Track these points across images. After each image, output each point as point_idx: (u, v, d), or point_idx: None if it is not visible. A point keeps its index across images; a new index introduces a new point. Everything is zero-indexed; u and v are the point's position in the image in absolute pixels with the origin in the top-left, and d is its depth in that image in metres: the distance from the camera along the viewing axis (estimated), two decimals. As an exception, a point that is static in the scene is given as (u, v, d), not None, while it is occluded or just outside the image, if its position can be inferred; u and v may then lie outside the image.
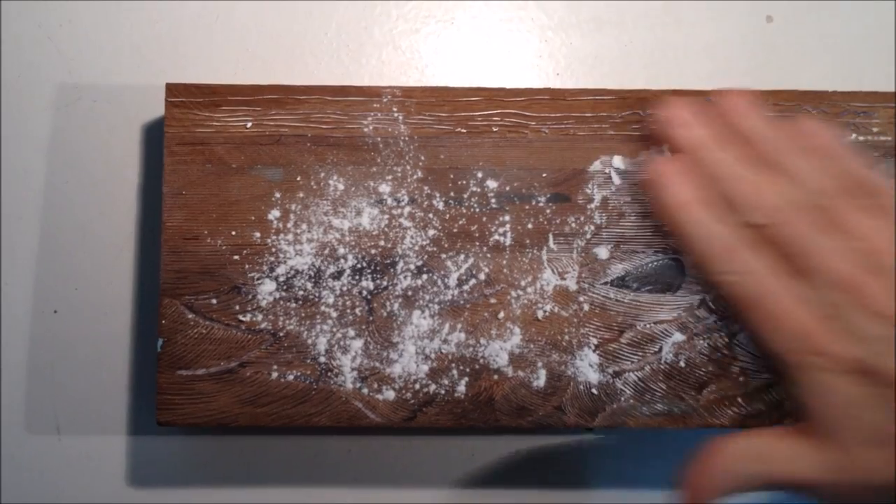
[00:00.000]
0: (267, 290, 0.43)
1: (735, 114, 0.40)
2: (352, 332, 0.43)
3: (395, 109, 0.44)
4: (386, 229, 0.43)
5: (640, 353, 0.43)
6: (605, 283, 0.44)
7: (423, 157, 0.44)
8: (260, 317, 0.43)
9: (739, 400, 0.43)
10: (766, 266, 0.37)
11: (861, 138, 0.45)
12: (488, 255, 0.44)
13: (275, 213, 0.43)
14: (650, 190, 0.40)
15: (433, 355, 0.43)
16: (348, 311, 0.43)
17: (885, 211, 0.38)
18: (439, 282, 0.43)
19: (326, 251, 0.43)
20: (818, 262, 0.36)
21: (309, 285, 0.43)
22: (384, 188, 0.44)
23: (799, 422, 0.36)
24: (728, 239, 0.38)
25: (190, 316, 0.42)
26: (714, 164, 0.39)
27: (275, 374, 0.42)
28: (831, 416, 0.36)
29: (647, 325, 0.44)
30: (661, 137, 0.40)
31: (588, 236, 0.44)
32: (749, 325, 0.37)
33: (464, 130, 0.44)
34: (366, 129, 0.44)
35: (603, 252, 0.44)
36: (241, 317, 0.43)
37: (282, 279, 0.43)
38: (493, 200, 0.44)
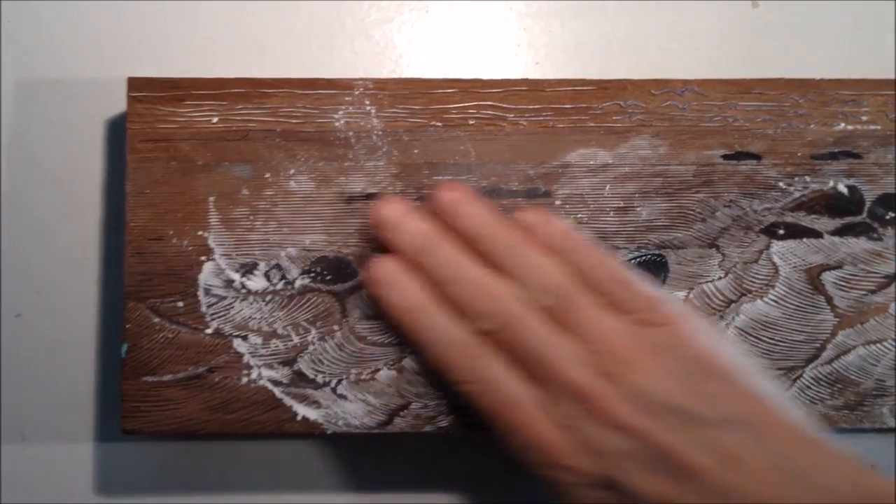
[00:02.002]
0: (236, 292, 0.41)
1: (452, 209, 0.38)
2: (324, 335, 0.41)
3: (367, 102, 0.42)
4: (357, 227, 0.42)
5: (624, 353, 0.42)
6: (587, 281, 0.42)
7: (396, 152, 0.42)
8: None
9: (726, 399, 0.42)
10: (504, 373, 0.36)
11: (850, 127, 0.43)
12: (465, 253, 0.42)
13: (243, 212, 0.42)
14: (372, 290, 0.38)
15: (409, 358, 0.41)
16: (321, 312, 0.41)
17: (623, 307, 0.37)
18: (414, 281, 0.42)
19: (297, 251, 0.42)
20: (551, 369, 0.35)
21: (280, 286, 0.42)
22: (356, 184, 0.42)
23: None
24: (463, 345, 0.36)
25: (156, 320, 0.41)
26: (435, 268, 0.37)
27: (244, 380, 0.41)
28: None
29: (631, 324, 0.42)
30: (382, 241, 0.38)
31: (569, 232, 0.42)
32: (496, 434, 0.36)
33: (439, 124, 0.43)
34: (337, 124, 0.42)
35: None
36: (209, 320, 0.41)
37: (251, 281, 0.41)
38: (470, 196, 0.42)
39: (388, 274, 0.38)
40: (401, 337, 0.38)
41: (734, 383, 0.35)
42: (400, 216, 0.38)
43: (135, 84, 0.42)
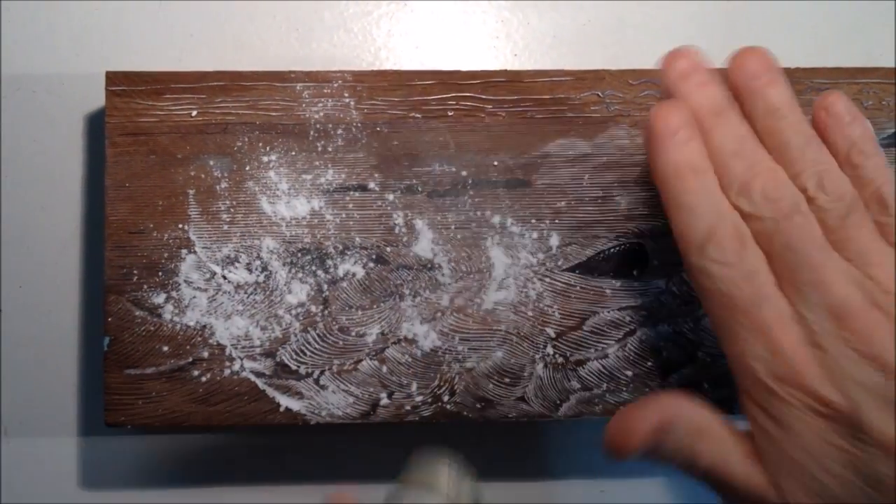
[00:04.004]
0: (217, 285, 0.41)
1: (757, 79, 0.35)
2: (306, 326, 0.41)
3: (346, 95, 0.43)
4: (338, 219, 0.42)
5: (604, 341, 0.42)
6: (566, 270, 0.43)
7: (375, 144, 0.42)
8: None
9: (705, 385, 0.42)
10: (764, 267, 0.32)
11: (825, 116, 0.44)
12: (446, 245, 0.42)
13: (223, 205, 0.42)
14: (651, 140, 0.34)
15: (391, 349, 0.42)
16: (302, 303, 0.42)
17: None
18: (394, 272, 0.42)
19: (277, 243, 0.42)
20: (820, 279, 0.32)
21: (261, 278, 0.42)
22: (337, 176, 0.42)
23: (754, 438, 0.33)
24: (731, 223, 0.33)
25: (137, 313, 0.41)
26: (722, 135, 0.34)
27: (227, 372, 0.41)
28: (781, 454, 0.32)
29: (610, 312, 0.43)
30: (671, 91, 0.35)
31: (548, 221, 0.43)
32: (724, 327, 0.33)
33: (418, 115, 0.43)
34: (316, 116, 0.42)
35: (564, 237, 0.43)
36: (191, 313, 0.41)
37: (232, 273, 0.41)
38: (450, 186, 0.43)
39: (675, 124, 0.34)
40: (664, 201, 0.35)
41: None
42: (701, 71, 0.35)
43: (113, 78, 0.42)
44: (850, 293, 0.31)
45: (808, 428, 0.31)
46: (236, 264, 0.42)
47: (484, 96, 0.43)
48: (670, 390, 0.35)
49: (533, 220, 0.43)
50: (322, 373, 0.41)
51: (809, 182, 0.33)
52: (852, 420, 0.30)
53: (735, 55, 0.36)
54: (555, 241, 0.43)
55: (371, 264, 0.42)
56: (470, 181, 0.43)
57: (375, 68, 0.47)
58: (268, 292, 0.42)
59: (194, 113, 0.42)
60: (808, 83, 0.44)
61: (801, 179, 0.33)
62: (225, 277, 0.41)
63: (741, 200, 0.33)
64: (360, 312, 0.42)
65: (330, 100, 0.42)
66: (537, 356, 0.42)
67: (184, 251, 0.41)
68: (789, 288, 0.32)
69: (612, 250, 0.43)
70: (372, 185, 0.42)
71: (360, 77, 0.43)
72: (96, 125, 0.45)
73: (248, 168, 0.42)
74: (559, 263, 0.43)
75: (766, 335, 0.32)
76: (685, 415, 0.34)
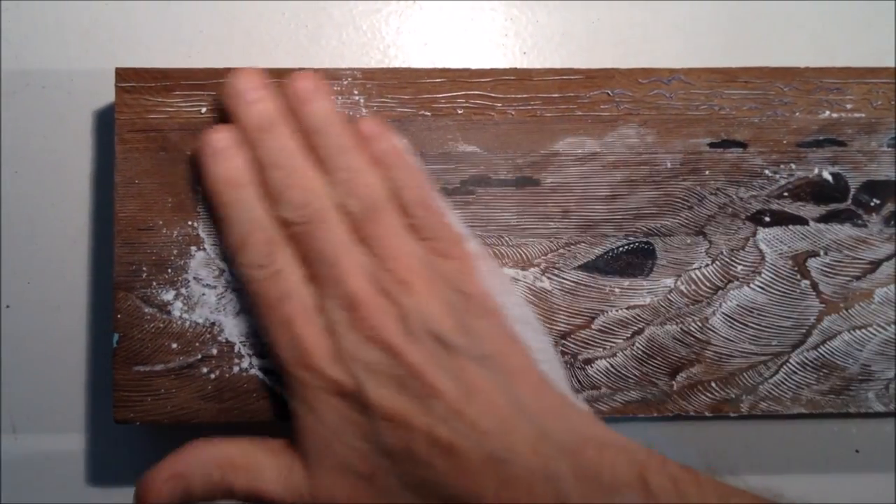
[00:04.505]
0: (227, 282, 0.41)
1: (302, 98, 0.39)
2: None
3: (356, 92, 0.43)
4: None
5: (612, 340, 0.42)
6: (576, 269, 0.43)
7: (385, 142, 0.42)
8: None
9: (714, 385, 0.42)
10: (291, 266, 0.37)
11: (835, 115, 0.44)
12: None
13: (233, 202, 0.42)
14: (201, 158, 0.39)
15: (399, 346, 0.42)
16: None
17: (424, 232, 0.38)
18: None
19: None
20: (333, 273, 0.36)
21: (270, 276, 0.42)
22: (346, 174, 0.42)
23: (296, 433, 0.36)
24: (261, 227, 0.37)
25: (146, 310, 0.41)
26: (265, 148, 0.38)
27: (236, 369, 0.41)
28: (311, 436, 0.36)
29: (619, 311, 0.43)
30: (228, 110, 0.39)
31: (556, 220, 0.43)
32: (262, 325, 0.38)
33: (428, 113, 0.43)
34: (326, 113, 0.42)
35: (572, 236, 0.43)
36: (200, 309, 0.41)
37: (241, 270, 0.41)
38: (459, 184, 0.43)
39: (218, 142, 0.38)
40: (214, 213, 0.39)
41: (501, 327, 0.37)
42: (251, 90, 0.39)
43: (123, 74, 0.42)
44: (362, 285, 0.36)
45: (330, 408, 0.35)
46: (245, 261, 0.41)
47: (493, 94, 0.43)
48: (196, 441, 0.37)
49: (542, 219, 0.43)
50: (331, 370, 0.41)
51: (340, 189, 0.38)
52: (359, 397, 0.35)
53: (286, 80, 0.40)
54: (563, 239, 0.43)
55: (380, 262, 0.42)
56: (479, 179, 0.43)
57: (384, 65, 0.47)
58: (277, 290, 0.41)
59: (204, 110, 0.42)
60: (817, 83, 0.44)
61: (334, 187, 0.38)
62: (235, 275, 0.41)
63: (278, 208, 0.37)
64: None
65: (339, 97, 0.42)
66: (545, 355, 0.42)
67: (193, 248, 0.41)
68: (316, 284, 0.37)
69: (620, 249, 0.43)
70: (381, 182, 0.42)
71: (370, 74, 0.43)
72: (105, 121, 0.45)
73: (257, 165, 0.42)
74: (568, 262, 0.43)
75: (288, 327, 0.36)
76: (206, 455, 0.37)
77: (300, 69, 0.42)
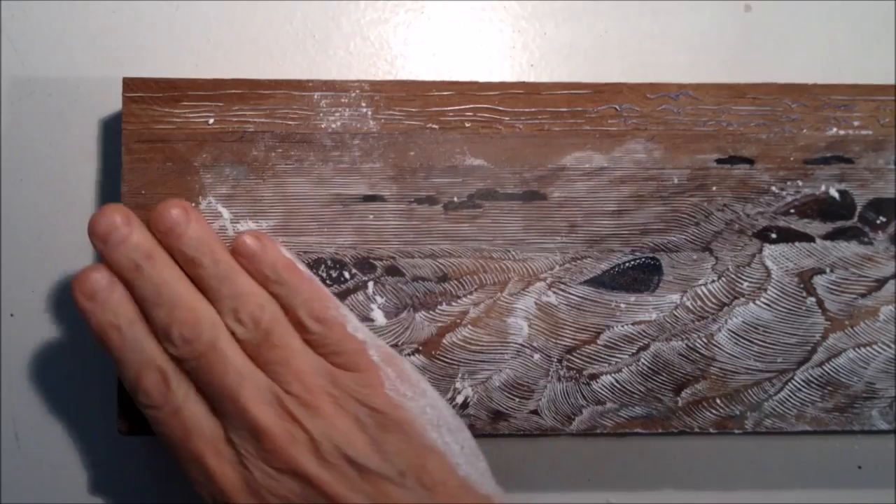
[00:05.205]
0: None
1: (171, 230, 0.37)
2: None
3: (363, 104, 0.42)
4: (353, 230, 0.42)
5: (617, 356, 0.42)
6: (582, 283, 0.43)
7: (392, 155, 0.42)
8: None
9: (719, 401, 0.42)
10: (192, 402, 0.36)
11: (842, 132, 0.44)
12: (461, 257, 0.42)
13: (239, 214, 0.42)
14: (76, 302, 0.37)
15: (405, 360, 0.42)
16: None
17: (325, 348, 0.37)
18: (408, 284, 0.42)
19: (292, 253, 0.42)
20: (235, 404, 0.35)
21: (275, 287, 0.41)
22: (353, 187, 0.42)
23: None
24: (155, 369, 0.36)
25: (151, 321, 0.41)
26: (143, 287, 0.36)
27: (241, 381, 0.41)
28: None
29: (625, 326, 0.43)
30: (100, 251, 0.37)
31: (563, 234, 0.43)
32: (178, 463, 0.37)
33: (435, 126, 0.43)
34: (334, 126, 0.42)
35: (578, 251, 0.43)
36: (205, 321, 0.41)
37: (247, 282, 0.41)
38: (466, 198, 0.42)
39: (92, 286, 0.37)
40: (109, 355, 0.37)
41: (415, 438, 0.36)
42: (114, 230, 0.37)
43: (130, 84, 0.42)
44: (266, 415, 0.35)
45: None
46: (251, 274, 0.41)
47: (501, 108, 0.43)
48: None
49: (548, 234, 0.43)
50: (336, 383, 0.41)
51: (227, 318, 0.36)
52: None
53: (152, 213, 0.38)
54: (570, 254, 0.43)
55: (386, 275, 0.42)
56: (486, 193, 0.42)
57: (392, 76, 0.46)
58: (282, 302, 0.41)
59: (211, 120, 0.42)
60: (825, 100, 0.44)
61: (222, 316, 0.36)
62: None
63: (167, 345, 0.36)
64: (374, 323, 0.42)
65: (347, 109, 0.42)
66: (551, 369, 0.42)
67: (199, 259, 0.41)
68: (220, 417, 0.36)
69: (626, 264, 0.43)
70: (388, 195, 0.42)
71: (378, 87, 0.42)
72: (111, 129, 0.45)
73: (264, 177, 0.42)
74: (574, 277, 0.43)
75: (199, 463, 0.35)
76: None
77: (308, 80, 0.42)
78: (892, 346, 0.43)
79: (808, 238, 0.43)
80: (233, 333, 0.36)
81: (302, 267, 0.39)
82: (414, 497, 0.35)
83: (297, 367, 0.36)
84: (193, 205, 0.41)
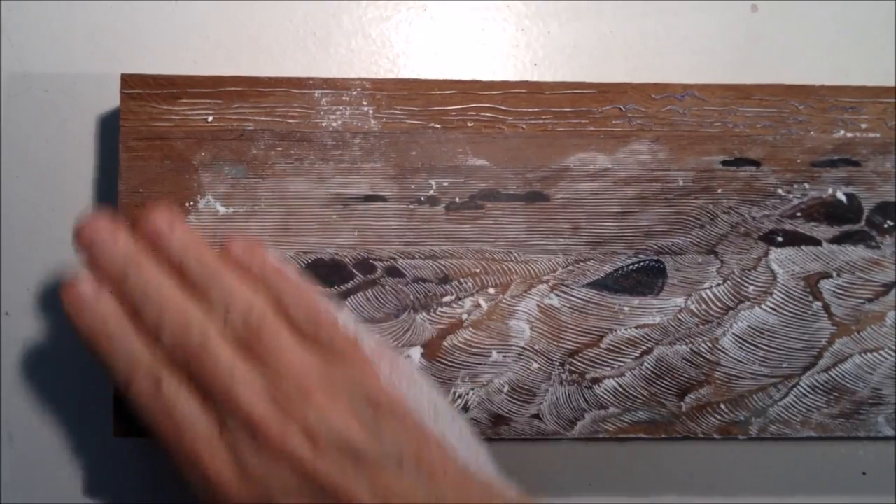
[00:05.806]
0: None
1: (159, 234, 0.37)
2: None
3: (365, 103, 0.42)
4: (353, 230, 0.41)
5: (620, 359, 0.42)
6: (585, 286, 0.42)
7: (393, 154, 0.42)
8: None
9: (723, 407, 0.42)
10: (185, 399, 0.36)
11: (849, 134, 0.43)
12: (462, 258, 0.42)
13: (238, 213, 0.41)
14: (65, 310, 0.37)
15: (405, 362, 0.41)
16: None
17: (315, 342, 0.37)
18: (409, 285, 0.42)
19: (293, 253, 0.41)
20: (228, 398, 0.35)
21: (274, 288, 0.41)
22: (353, 186, 0.42)
23: None
24: (146, 369, 0.36)
25: (148, 321, 0.40)
26: (132, 291, 0.37)
27: (238, 383, 0.40)
28: None
29: (628, 330, 0.42)
30: (86, 259, 0.37)
31: (566, 236, 0.42)
32: (173, 462, 0.36)
33: (437, 125, 0.42)
34: (334, 124, 0.42)
35: (582, 253, 0.42)
36: (202, 321, 0.41)
37: (245, 282, 0.41)
38: (468, 199, 0.42)
39: (79, 295, 0.37)
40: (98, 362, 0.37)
41: (411, 425, 0.36)
42: (102, 235, 0.37)
43: (129, 81, 0.41)
44: (260, 406, 0.35)
45: None
46: (250, 274, 0.41)
47: (504, 107, 0.42)
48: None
49: (551, 235, 0.42)
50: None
51: (217, 318, 0.36)
52: None
53: (137, 221, 0.38)
54: (573, 256, 0.42)
55: (386, 276, 0.41)
56: (488, 194, 0.42)
57: (394, 75, 0.46)
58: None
59: (210, 118, 0.41)
60: (832, 101, 0.43)
61: (212, 310, 0.36)
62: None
63: (157, 348, 0.36)
64: (374, 325, 0.41)
65: (348, 108, 0.42)
66: (553, 373, 0.42)
67: (197, 259, 0.41)
68: (214, 410, 0.35)
69: (630, 267, 0.42)
70: (389, 195, 0.42)
71: (380, 85, 0.42)
72: (109, 126, 0.44)
73: (263, 176, 0.41)
74: (577, 279, 0.42)
75: (193, 459, 0.35)
76: None
77: (309, 78, 0.41)
78: (899, 351, 0.43)
79: (815, 242, 0.43)
80: (223, 327, 0.36)
81: (290, 266, 0.39)
82: (412, 482, 0.35)
83: (288, 359, 0.36)
84: (192, 203, 0.41)
